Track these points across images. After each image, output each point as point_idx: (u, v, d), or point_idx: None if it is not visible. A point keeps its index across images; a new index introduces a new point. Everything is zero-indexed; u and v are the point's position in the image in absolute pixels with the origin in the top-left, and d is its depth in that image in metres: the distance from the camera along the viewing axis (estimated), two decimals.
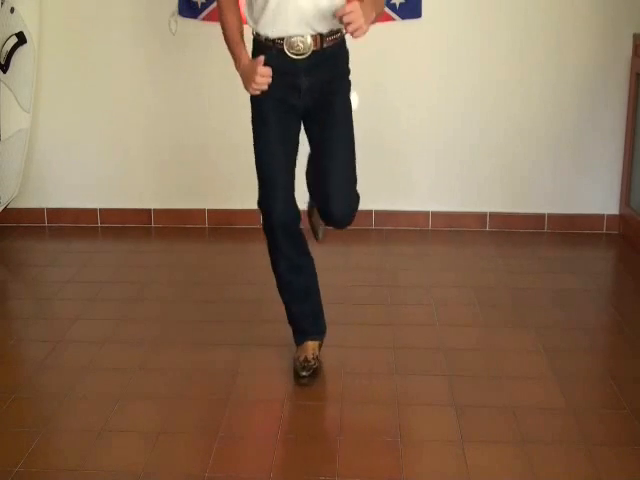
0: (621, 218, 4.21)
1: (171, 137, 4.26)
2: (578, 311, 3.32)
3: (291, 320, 2.86)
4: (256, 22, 2.57)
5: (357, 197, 2.74)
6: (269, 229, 2.68)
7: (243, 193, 4.27)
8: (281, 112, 2.61)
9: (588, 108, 4.13)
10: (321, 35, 2.52)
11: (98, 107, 4.23)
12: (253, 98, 2.62)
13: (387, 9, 3.96)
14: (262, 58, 2.51)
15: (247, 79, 2.55)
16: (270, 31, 2.54)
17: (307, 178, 2.84)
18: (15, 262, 4.01)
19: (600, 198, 4.23)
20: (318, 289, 2.86)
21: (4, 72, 3.94)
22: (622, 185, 4.18)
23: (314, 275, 2.85)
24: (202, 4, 4.03)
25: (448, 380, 2.75)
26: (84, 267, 3.82)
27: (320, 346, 2.86)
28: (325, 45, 2.54)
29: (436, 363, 2.85)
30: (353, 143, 2.68)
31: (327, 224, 2.83)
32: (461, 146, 4.21)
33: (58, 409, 2.59)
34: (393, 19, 4.00)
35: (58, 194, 4.34)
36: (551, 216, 4.26)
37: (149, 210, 4.35)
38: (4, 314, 3.41)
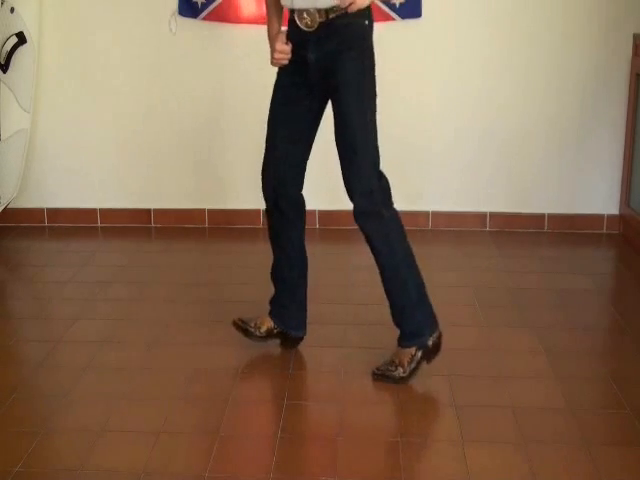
0: (621, 218, 4.21)
1: (171, 137, 4.26)
2: (578, 311, 3.32)
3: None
4: None
5: (376, 178, 2.65)
6: (266, 200, 2.81)
7: (243, 193, 4.28)
8: (291, 87, 2.69)
9: (588, 108, 4.13)
10: (326, 10, 2.53)
11: (98, 107, 4.23)
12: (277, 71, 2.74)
13: (387, 9, 3.96)
14: (283, 34, 2.64)
15: (271, 54, 2.69)
16: (286, 3, 2.62)
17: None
18: (15, 262, 4.01)
19: (600, 198, 4.23)
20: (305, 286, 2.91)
21: (4, 72, 3.94)
22: (622, 185, 4.18)
23: (305, 276, 2.90)
24: (202, 4, 4.03)
25: (448, 380, 2.75)
26: (84, 267, 3.82)
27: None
28: (331, 16, 2.54)
29: (436, 363, 2.84)
30: (363, 115, 2.62)
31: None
32: (461, 146, 4.21)
33: (58, 409, 2.59)
34: (393, 19, 4.00)
35: (58, 194, 4.34)
36: (551, 216, 4.26)
37: (149, 210, 4.35)
38: (4, 314, 3.41)
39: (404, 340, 2.75)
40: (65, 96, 4.23)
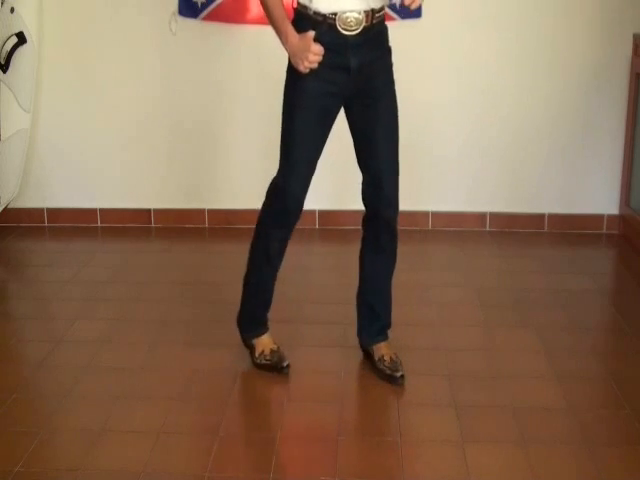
0: (621, 218, 4.20)
1: (171, 137, 4.26)
2: (578, 311, 3.32)
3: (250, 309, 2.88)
4: None
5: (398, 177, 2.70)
6: (280, 209, 2.65)
7: (243, 193, 4.28)
8: (325, 94, 2.54)
9: (588, 108, 4.13)
10: (373, 10, 2.49)
11: (98, 107, 4.23)
12: (295, 75, 2.53)
13: (387, 9, 3.92)
14: (312, 34, 2.46)
15: (298, 56, 2.47)
16: (324, 5, 2.46)
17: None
18: (15, 262, 4.01)
19: (600, 198, 4.23)
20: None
21: (4, 72, 3.94)
22: (622, 185, 4.18)
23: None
24: (202, 4, 4.03)
25: (448, 380, 2.75)
26: (84, 267, 3.82)
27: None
28: (374, 21, 2.51)
29: (436, 363, 2.85)
30: (397, 125, 2.66)
31: (377, 213, 2.72)
32: (461, 146, 4.21)
33: (58, 409, 2.59)
34: (393, 19, 4.00)
35: (58, 194, 4.34)
36: (551, 216, 4.26)
37: (149, 210, 4.35)
38: (4, 314, 3.41)
39: (388, 329, 2.86)
40: (65, 96, 4.23)
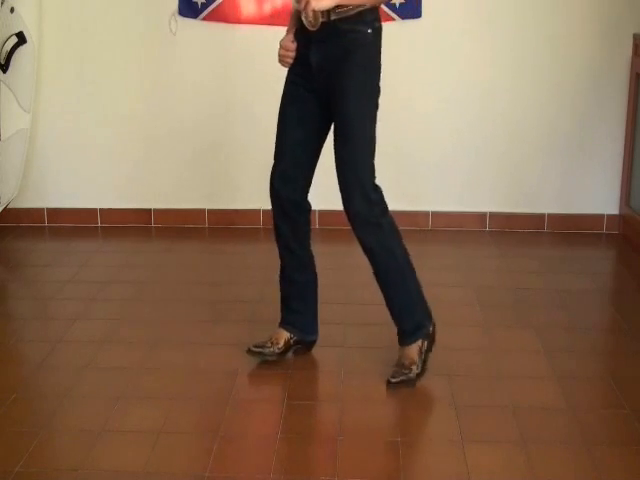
0: (621, 218, 4.21)
1: (171, 137, 4.26)
2: (578, 311, 3.32)
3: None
4: None
5: (373, 190, 2.64)
6: (271, 202, 2.78)
7: (243, 193, 4.28)
8: (297, 88, 2.66)
9: (588, 108, 4.13)
10: (328, 10, 2.50)
11: (98, 107, 4.23)
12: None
13: (387, 9, 3.96)
14: (291, 33, 2.64)
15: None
16: (294, 1, 2.61)
17: None
18: (15, 262, 4.01)
19: (600, 198, 4.23)
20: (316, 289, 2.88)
21: (4, 72, 3.94)
22: (622, 185, 4.18)
23: (315, 278, 2.88)
24: (202, 4, 4.03)
25: (448, 380, 2.75)
26: (84, 267, 3.82)
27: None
28: (334, 17, 2.51)
29: (436, 363, 2.84)
30: (363, 126, 2.60)
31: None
32: (461, 146, 4.21)
33: (58, 409, 2.59)
34: (393, 19, 4.00)
35: (58, 194, 4.34)
36: (551, 216, 4.26)
37: (149, 210, 4.35)
38: (4, 314, 3.41)
39: (408, 337, 2.76)
40: (65, 96, 4.23)
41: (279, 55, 2.66)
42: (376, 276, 2.75)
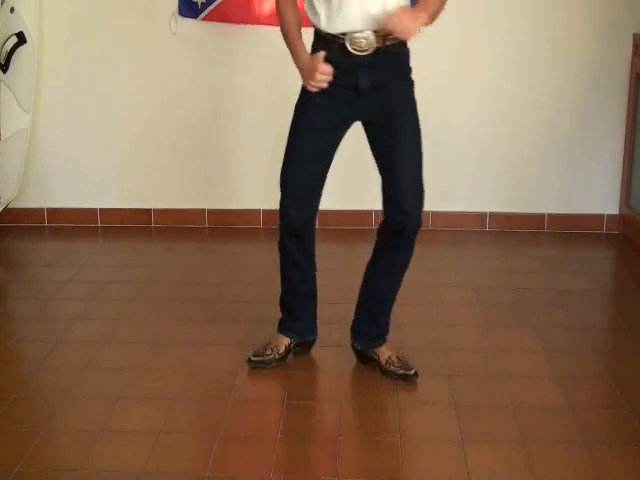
0: (621, 218, 4.21)
1: (171, 137, 4.26)
2: (578, 311, 3.32)
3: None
4: (318, 16, 2.52)
5: (423, 194, 2.69)
6: (283, 226, 2.70)
7: (243, 193, 4.28)
8: (330, 109, 2.56)
9: (588, 108, 4.13)
10: (383, 35, 2.47)
11: (98, 107, 4.23)
12: (305, 94, 2.58)
13: None
14: (322, 54, 2.48)
15: (307, 75, 2.52)
16: (332, 26, 2.49)
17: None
18: (15, 262, 4.01)
19: (600, 198, 4.23)
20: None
21: (4, 72, 3.94)
22: (622, 185, 4.18)
23: (315, 281, 2.89)
24: (202, 4, 4.03)
25: (448, 380, 2.75)
26: (84, 267, 3.82)
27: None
28: (388, 43, 2.49)
29: (436, 363, 2.85)
30: (420, 143, 2.62)
31: (398, 228, 2.68)
32: (461, 146, 4.21)
33: (58, 409, 2.59)
34: None
35: (58, 194, 4.34)
36: (551, 216, 4.26)
37: (149, 210, 4.35)
38: (4, 314, 3.41)
39: (386, 334, 2.84)
40: (65, 96, 4.23)
41: (314, 80, 2.49)
42: (390, 288, 2.79)
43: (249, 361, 2.83)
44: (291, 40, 2.59)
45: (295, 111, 2.64)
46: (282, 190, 2.67)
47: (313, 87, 2.52)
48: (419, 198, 2.66)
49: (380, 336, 2.83)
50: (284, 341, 2.86)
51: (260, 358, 2.82)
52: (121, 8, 4.11)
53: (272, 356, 2.83)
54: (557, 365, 2.85)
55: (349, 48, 2.48)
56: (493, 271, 3.76)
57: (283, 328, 2.88)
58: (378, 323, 2.83)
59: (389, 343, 2.82)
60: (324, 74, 2.48)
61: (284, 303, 2.89)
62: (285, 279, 2.84)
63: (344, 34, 2.48)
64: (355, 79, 2.51)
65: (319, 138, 2.60)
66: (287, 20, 2.59)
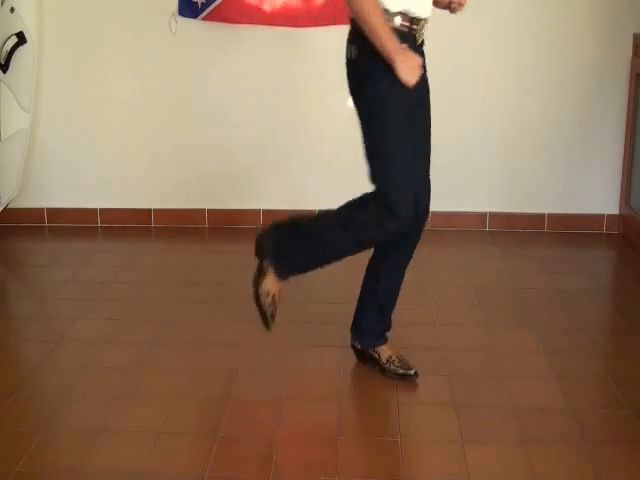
0: (621, 218, 4.21)
1: (171, 137, 4.26)
2: (578, 311, 3.32)
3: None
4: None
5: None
6: (395, 231, 2.60)
7: (243, 193, 4.28)
8: (422, 106, 2.65)
9: (588, 108, 4.13)
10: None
11: (98, 107, 4.23)
12: (397, 90, 2.46)
13: None
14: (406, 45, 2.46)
15: (411, 66, 2.45)
16: (422, 10, 2.54)
17: None
18: (15, 262, 4.02)
19: (600, 198, 4.23)
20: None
21: (4, 72, 3.94)
22: (622, 185, 4.18)
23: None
24: (202, 4, 4.03)
25: (448, 380, 2.75)
26: (84, 267, 3.82)
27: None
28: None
29: (436, 363, 2.85)
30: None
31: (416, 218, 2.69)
32: (461, 146, 4.21)
33: (58, 409, 2.59)
34: None
35: (58, 194, 4.35)
36: (551, 216, 4.26)
37: (149, 210, 4.35)
38: (4, 314, 3.41)
39: (389, 330, 2.84)
40: (65, 96, 4.23)
41: (416, 75, 2.46)
42: (400, 275, 2.79)
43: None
44: (383, 25, 2.40)
45: (391, 116, 2.50)
46: (407, 187, 2.58)
47: (412, 82, 2.45)
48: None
49: (384, 332, 2.82)
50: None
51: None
52: (121, 8, 4.11)
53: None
54: (557, 365, 2.85)
55: (417, 37, 2.55)
56: (493, 271, 3.76)
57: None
58: (384, 318, 2.82)
59: (389, 343, 2.82)
60: (421, 68, 2.51)
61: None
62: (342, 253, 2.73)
63: (412, 22, 2.51)
64: (423, 70, 2.57)
65: (418, 131, 2.65)
66: (375, 5, 2.40)
